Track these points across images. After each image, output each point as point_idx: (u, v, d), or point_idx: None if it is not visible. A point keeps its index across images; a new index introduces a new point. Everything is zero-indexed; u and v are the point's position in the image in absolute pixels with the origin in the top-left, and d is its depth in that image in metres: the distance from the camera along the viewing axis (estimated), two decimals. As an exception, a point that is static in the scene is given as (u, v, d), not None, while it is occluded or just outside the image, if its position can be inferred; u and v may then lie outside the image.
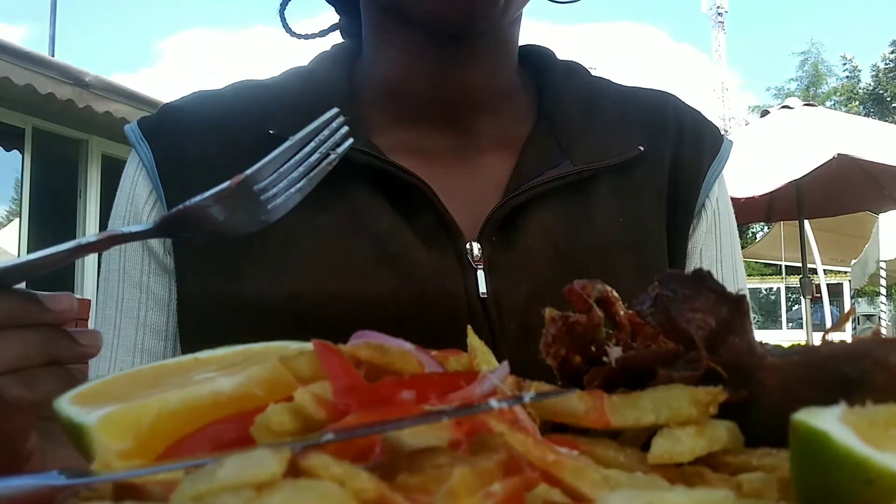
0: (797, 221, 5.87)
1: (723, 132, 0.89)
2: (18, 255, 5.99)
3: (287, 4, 0.86)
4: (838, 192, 5.85)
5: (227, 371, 0.42)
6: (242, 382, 0.40)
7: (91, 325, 0.80)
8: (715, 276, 0.40)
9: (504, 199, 0.74)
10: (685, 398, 0.36)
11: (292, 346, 0.45)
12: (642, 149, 0.78)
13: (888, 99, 27.82)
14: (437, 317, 0.70)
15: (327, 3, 0.88)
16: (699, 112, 0.88)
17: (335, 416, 0.33)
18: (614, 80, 0.89)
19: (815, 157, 4.90)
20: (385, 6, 0.76)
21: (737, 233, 0.89)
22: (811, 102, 6.38)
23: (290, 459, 0.27)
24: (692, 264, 0.82)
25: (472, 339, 0.45)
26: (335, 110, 0.60)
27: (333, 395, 0.34)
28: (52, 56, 6.48)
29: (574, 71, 0.86)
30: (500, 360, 0.58)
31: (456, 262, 0.73)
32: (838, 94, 29.24)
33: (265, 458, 0.26)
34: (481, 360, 0.43)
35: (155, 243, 0.77)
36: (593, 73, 0.88)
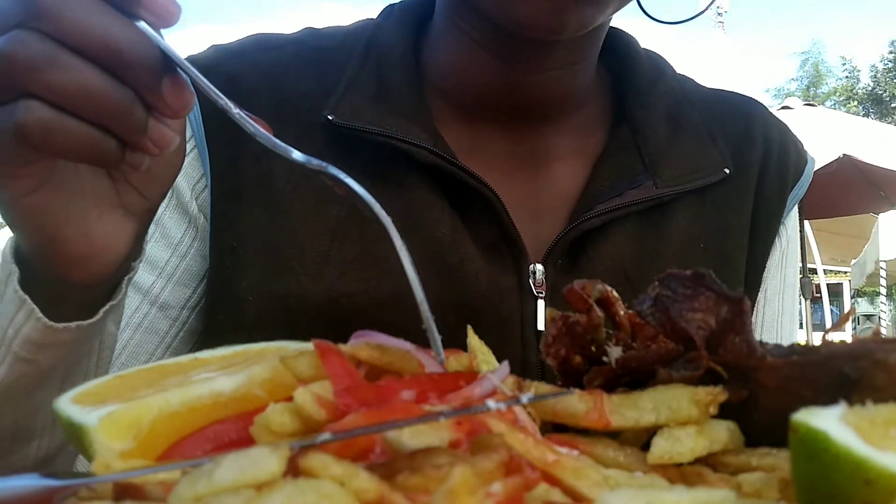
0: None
1: None
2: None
3: None
4: (839, 194, 5.85)
5: (228, 371, 0.42)
6: (243, 382, 0.40)
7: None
8: (775, 305, 0.38)
9: (576, 221, 0.66)
10: (685, 398, 0.36)
11: (292, 346, 0.45)
12: (728, 171, 0.71)
13: (887, 99, 27.81)
14: (486, 339, 0.65)
15: None
16: (785, 126, 0.80)
17: (336, 417, 0.33)
18: (693, 79, 0.81)
19: (819, 157, 4.91)
20: None
21: (798, 262, 0.83)
22: (811, 102, 6.39)
23: (290, 460, 0.27)
24: (760, 293, 0.76)
25: (472, 339, 0.45)
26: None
27: (334, 395, 0.34)
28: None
29: (661, 71, 0.77)
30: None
31: (516, 284, 0.66)
32: (838, 94, 29.23)
33: (263, 457, 0.26)
34: (481, 360, 0.43)
35: (182, 183, 0.69)
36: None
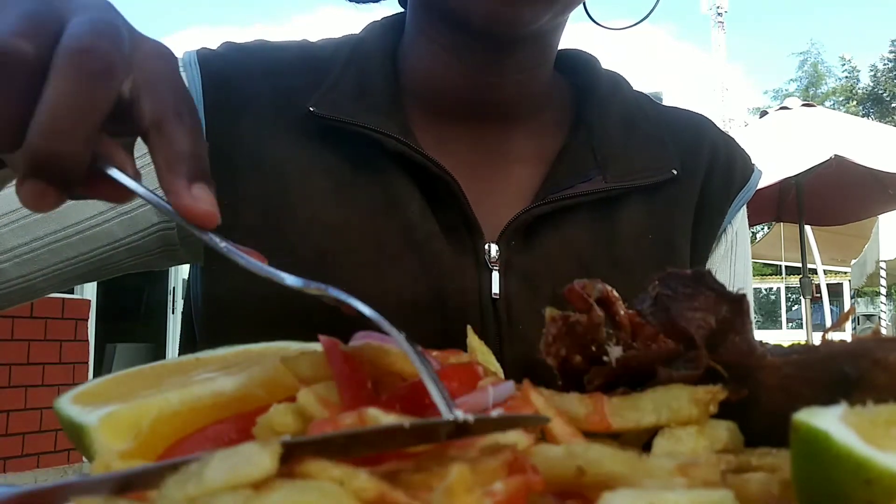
0: (797, 222, 5.87)
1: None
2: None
3: None
4: (843, 197, 5.85)
5: (228, 371, 0.42)
6: (243, 383, 0.40)
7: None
8: None
9: (528, 207, 0.74)
10: (685, 398, 0.36)
11: (293, 346, 0.45)
12: (675, 172, 0.79)
13: (887, 99, 27.81)
14: (449, 311, 0.72)
15: None
16: (733, 139, 0.89)
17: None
18: (652, 98, 0.90)
19: (813, 157, 4.91)
20: (426, 5, 0.76)
21: (750, 261, 0.90)
22: (810, 103, 6.38)
23: (286, 465, 0.26)
24: None
25: (472, 339, 0.45)
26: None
27: (339, 396, 0.34)
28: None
29: (618, 84, 0.86)
30: (503, 362, 0.60)
31: (473, 260, 0.73)
32: (837, 94, 29.24)
33: (255, 454, 0.25)
34: (481, 359, 0.43)
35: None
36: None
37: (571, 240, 0.76)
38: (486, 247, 0.74)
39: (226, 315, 0.72)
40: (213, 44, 0.82)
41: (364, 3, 0.88)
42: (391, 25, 0.83)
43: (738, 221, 0.86)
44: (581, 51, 0.89)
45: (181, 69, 0.74)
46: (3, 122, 0.39)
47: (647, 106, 0.87)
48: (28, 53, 0.39)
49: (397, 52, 0.81)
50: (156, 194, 0.42)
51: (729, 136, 0.89)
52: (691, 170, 0.82)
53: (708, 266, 0.83)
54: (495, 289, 0.73)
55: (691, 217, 0.81)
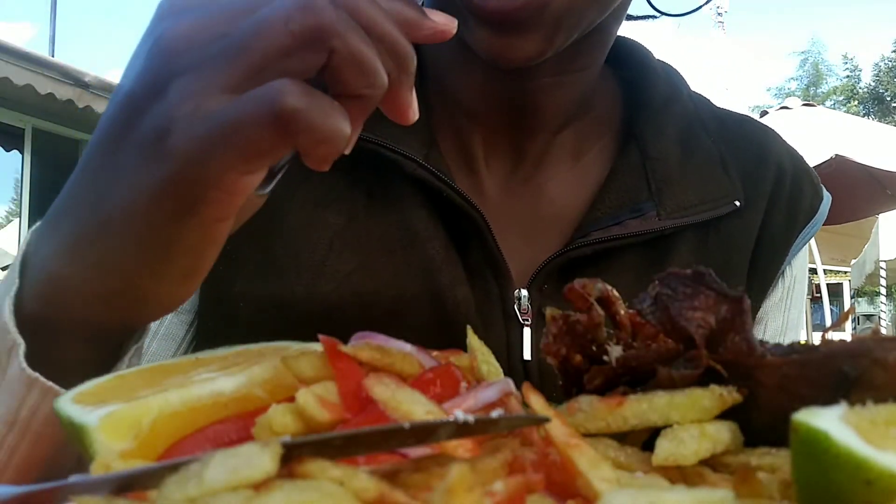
0: (797, 221, 5.87)
1: None
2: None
3: None
4: (842, 196, 5.85)
5: (228, 371, 0.42)
6: (243, 383, 0.40)
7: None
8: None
9: (566, 248, 0.63)
10: (708, 398, 0.36)
11: (293, 346, 0.45)
12: (738, 203, 0.67)
13: (888, 98, 27.80)
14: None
15: None
16: (800, 158, 0.76)
17: (338, 418, 0.33)
18: (708, 99, 0.76)
19: (813, 157, 4.91)
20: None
21: (804, 305, 0.78)
22: (810, 102, 6.38)
23: (286, 466, 0.26)
24: (759, 333, 0.71)
25: (472, 339, 0.45)
26: None
27: (340, 398, 0.34)
28: (52, 56, 6.47)
29: (677, 88, 0.73)
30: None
31: (500, 311, 0.63)
32: (838, 93, 29.24)
33: (255, 455, 0.25)
34: (481, 360, 0.43)
35: None
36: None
37: (617, 283, 0.65)
38: (516, 293, 0.63)
39: (226, 316, 0.68)
40: None
41: None
42: None
43: (799, 261, 0.74)
44: (632, 40, 0.76)
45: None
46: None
47: (707, 115, 0.73)
48: None
49: (420, 49, 0.71)
50: None
51: (796, 153, 0.76)
52: (753, 198, 0.69)
53: (760, 315, 0.72)
54: (527, 353, 0.62)
55: (748, 256, 0.69)
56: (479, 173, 0.68)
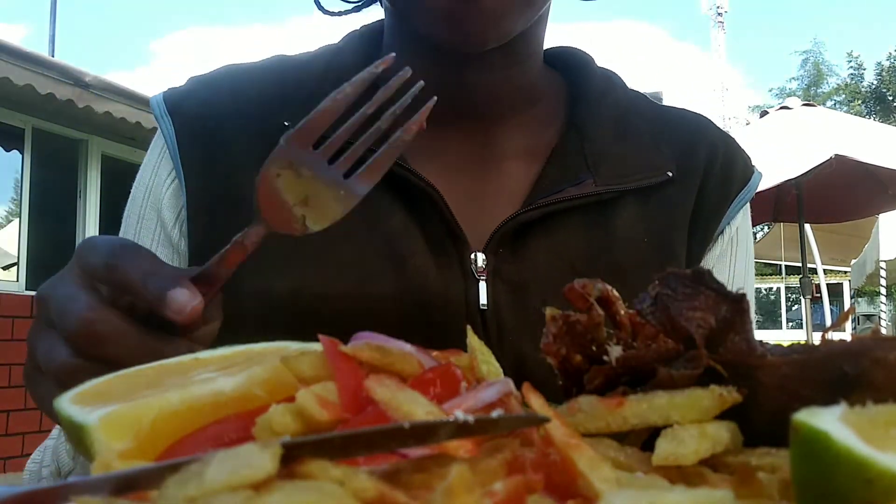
0: (797, 221, 5.87)
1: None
2: (18, 255, 5.99)
3: None
4: (842, 196, 5.85)
5: (228, 371, 0.42)
6: (243, 383, 0.40)
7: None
8: None
9: (515, 213, 0.72)
10: (708, 398, 0.36)
11: (293, 346, 0.45)
12: (671, 174, 0.77)
13: (890, 98, 27.79)
14: (436, 323, 0.70)
15: None
16: (733, 140, 0.87)
17: (338, 418, 0.33)
18: (648, 97, 0.87)
19: (813, 157, 4.91)
20: (399, 18, 0.75)
21: (752, 262, 0.88)
22: (810, 102, 6.38)
23: (286, 466, 0.26)
24: None
25: (472, 339, 0.45)
26: (391, 56, 0.57)
27: (339, 398, 0.34)
28: (52, 56, 6.47)
29: (612, 83, 0.84)
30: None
31: (459, 271, 0.72)
32: (840, 92, 29.23)
33: (255, 455, 0.25)
34: (481, 360, 0.43)
35: (167, 215, 0.77)
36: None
37: (563, 246, 0.74)
38: (473, 256, 0.72)
39: (236, 316, 0.72)
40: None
41: (343, 14, 0.86)
42: (370, 34, 0.82)
43: (739, 221, 0.84)
44: (575, 48, 0.87)
45: (156, 120, 0.78)
46: None
47: (643, 106, 0.85)
48: None
49: (376, 60, 0.80)
50: None
51: (729, 136, 0.88)
52: (688, 171, 0.80)
53: (703, 265, 0.81)
54: (483, 299, 0.71)
55: (688, 218, 0.79)
56: (436, 160, 0.76)
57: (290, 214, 0.52)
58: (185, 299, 0.48)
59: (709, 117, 0.89)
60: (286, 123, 0.71)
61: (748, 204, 0.85)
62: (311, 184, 0.50)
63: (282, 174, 0.50)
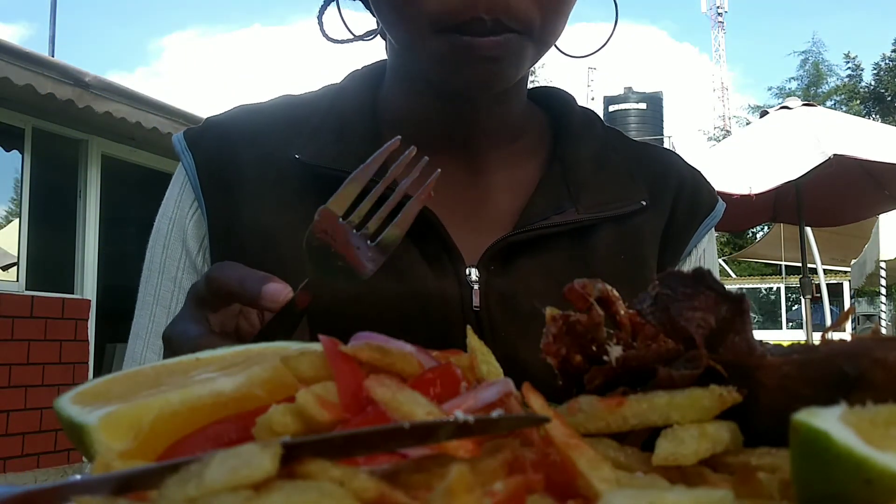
0: (797, 222, 5.87)
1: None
2: (18, 256, 5.99)
3: (325, 10, 0.89)
4: (841, 198, 5.85)
5: (228, 371, 0.42)
6: (243, 383, 0.40)
7: (135, 307, 0.90)
8: None
9: (506, 235, 0.80)
10: (707, 398, 0.36)
11: (293, 346, 0.45)
12: (644, 203, 0.86)
13: (889, 98, 27.78)
14: (435, 321, 0.76)
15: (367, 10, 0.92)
16: (699, 173, 0.97)
17: (338, 418, 0.33)
18: (624, 134, 0.98)
19: (812, 157, 4.90)
20: (403, 60, 0.82)
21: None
22: (810, 102, 6.37)
23: (287, 466, 0.26)
24: None
25: (472, 339, 0.45)
26: (398, 139, 0.66)
27: (340, 398, 0.34)
28: (52, 56, 6.47)
29: (591, 121, 0.93)
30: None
31: (455, 281, 0.79)
32: (839, 93, 29.21)
33: (255, 456, 0.25)
34: (481, 360, 0.43)
35: (192, 244, 0.85)
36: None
37: (548, 265, 0.81)
38: (467, 271, 0.79)
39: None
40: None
41: (346, 42, 0.91)
42: (371, 73, 0.90)
43: (705, 244, 0.94)
44: (558, 88, 0.97)
45: (178, 155, 0.85)
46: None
47: (618, 142, 0.94)
48: None
49: (377, 97, 0.87)
50: None
51: (695, 169, 0.97)
52: (659, 198, 0.89)
53: None
54: (476, 302, 0.79)
55: (658, 239, 0.88)
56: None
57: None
58: (277, 288, 0.58)
59: (676, 152, 0.99)
60: (297, 156, 0.79)
61: (713, 230, 0.95)
62: (345, 249, 0.61)
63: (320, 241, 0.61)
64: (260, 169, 0.82)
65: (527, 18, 0.72)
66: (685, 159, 0.98)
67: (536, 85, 0.97)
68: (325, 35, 0.90)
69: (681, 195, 0.91)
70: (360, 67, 0.92)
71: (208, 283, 0.60)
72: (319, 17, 0.89)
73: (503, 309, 0.78)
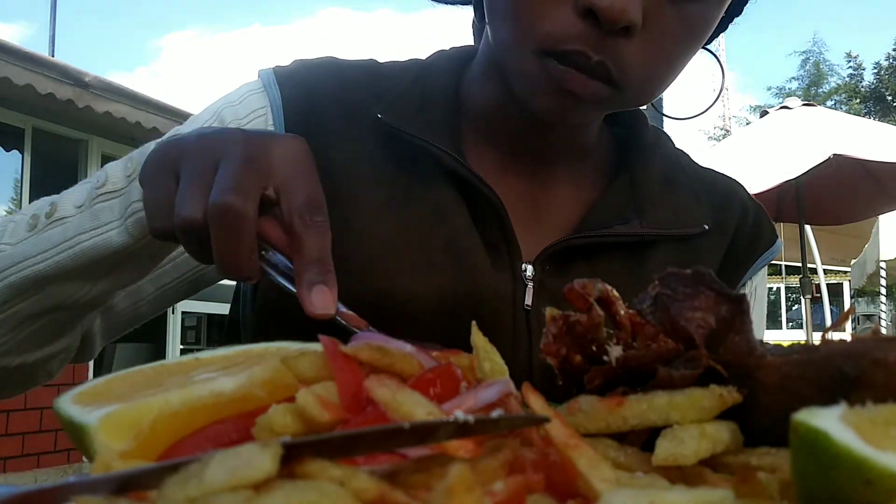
0: (797, 221, 5.87)
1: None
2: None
3: None
4: (841, 197, 5.85)
5: (229, 371, 0.42)
6: (243, 383, 0.40)
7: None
8: None
9: (566, 237, 0.80)
10: (707, 398, 0.36)
11: (293, 346, 0.45)
12: (707, 227, 0.86)
13: (889, 98, 27.78)
14: (485, 315, 0.75)
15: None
16: (761, 207, 0.96)
17: (338, 418, 0.33)
18: (692, 157, 0.97)
19: (813, 157, 4.90)
20: (498, 66, 0.80)
21: (765, 314, 0.99)
22: (810, 102, 6.37)
23: (287, 466, 0.26)
24: None
25: (476, 337, 0.45)
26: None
27: (340, 401, 0.34)
28: (52, 56, 6.47)
29: (662, 140, 0.93)
30: (532, 368, 0.73)
31: (510, 275, 0.79)
32: (840, 92, 29.19)
33: (255, 456, 0.25)
34: (483, 357, 0.43)
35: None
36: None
37: (604, 273, 0.79)
38: (523, 266, 0.79)
39: (279, 317, 0.76)
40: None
41: (448, 3, 0.90)
42: (458, 56, 0.89)
43: (759, 278, 0.94)
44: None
45: (262, 89, 0.83)
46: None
47: (686, 163, 0.94)
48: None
49: (461, 81, 0.86)
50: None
51: (758, 203, 0.96)
52: (721, 226, 0.88)
53: None
54: (528, 300, 0.78)
55: (717, 267, 0.87)
56: (499, 180, 0.83)
57: None
58: (325, 300, 0.54)
59: (740, 182, 0.99)
60: (379, 115, 0.79)
61: (766, 267, 0.94)
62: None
63: None
64: (343, 121, 0.81)
65: (630, 75, 0.70)
66: (746, 189, 0.98)
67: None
68: None
69: (743, 226, 0.91)
70: (447, 48, 0.91)
71: (307, 182, 0.57)
72: None
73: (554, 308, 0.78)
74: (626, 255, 0.82)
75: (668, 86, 0.77)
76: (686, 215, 0.85)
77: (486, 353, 0.43)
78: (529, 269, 0.79)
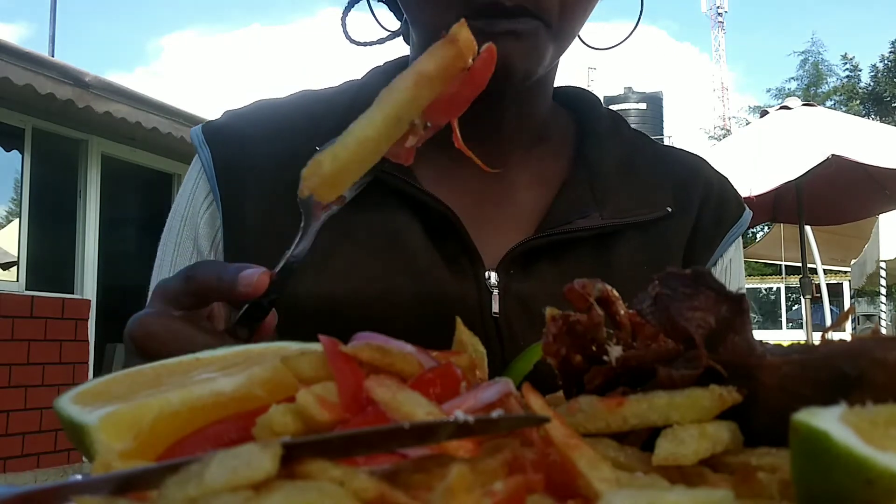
0: (797, 222, 5.87)
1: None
2: (18, 255, 5.99)
3: (349, 12, 0.89)
4: (841, 198, 5.85)
5: (228, 371, 0.42)
6: (243, 383, 0.40)
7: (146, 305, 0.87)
8: None
9: (527, 239, 0.78)
10: (707, 398, 0.36)
11: (293, 346, 0.45)
12: (670, 210, 0.84)
13: (887, 99, 27.78)
14: (453, 327, 0.74)
15: (390, 11, 0.91)
16: (727, 180, 0.94)
17: (338, 418, 0.33)
18: (650, 138, 0.95)
19: (813, 157, 4.91)
20: (422, 46, 0.80)
21: (744, 289, 0.96)
22: (810, 102, 6.37)
23: (287, 466, 0.26)
24: None
25: (461, 332, 0.45)
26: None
27: (339, 398, 0.34)
28: (52, 56, 6.47)
29: (618, 124, 0.91)
30: (505, 375, 0.65)
31: (474, 285, 0.78)
32: (838, 93, 29.20)
33: (255, 456, 0.25)
34: (470, 351, 0.43)
35: (203, 243, 0.83)
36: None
37: (569, 270, 0.79)
38: (487, 274, 0.78)
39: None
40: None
41: (369, 45, 0.91)
42: (394, 67, 0.88)
43: (731, 254, 0.91)
44: (584, 89, 0.95)
45: (197, 148, 0.84)
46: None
47: (645, 146, 0.92)
48: None
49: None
50: None
51: (723, 176, 0.94)
52: (685, 205, 0.87)
53: None
54: (495, 308, 0.77)
55: (684, 248, 0.86)
56: (453, 185, 0.83)
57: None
58: (252, 272, 0.56)
59: (704, 158, 0.96)
60: (317, 148, 0.77)
61: (740, 238, 0.92)
62: None
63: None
64: (278, 166, 0.81)
65: (546, 6, 0.71)
66: (711, 165, 0.95)
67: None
68: (348, 38, 0.88)
69: (707, 202, 0.89)
70: (381, 63, 0.90)
71: (186, 281, 0.58)
72: (343, 20, 0.88)
73: (522, 315, 0.77)
74: (592, 247, 0.81)
75: (590, 9, 0.77)
76: (647, 200, 0.84)
77: (471, 347, 0.43)
78: (493, 277, 0.78)
